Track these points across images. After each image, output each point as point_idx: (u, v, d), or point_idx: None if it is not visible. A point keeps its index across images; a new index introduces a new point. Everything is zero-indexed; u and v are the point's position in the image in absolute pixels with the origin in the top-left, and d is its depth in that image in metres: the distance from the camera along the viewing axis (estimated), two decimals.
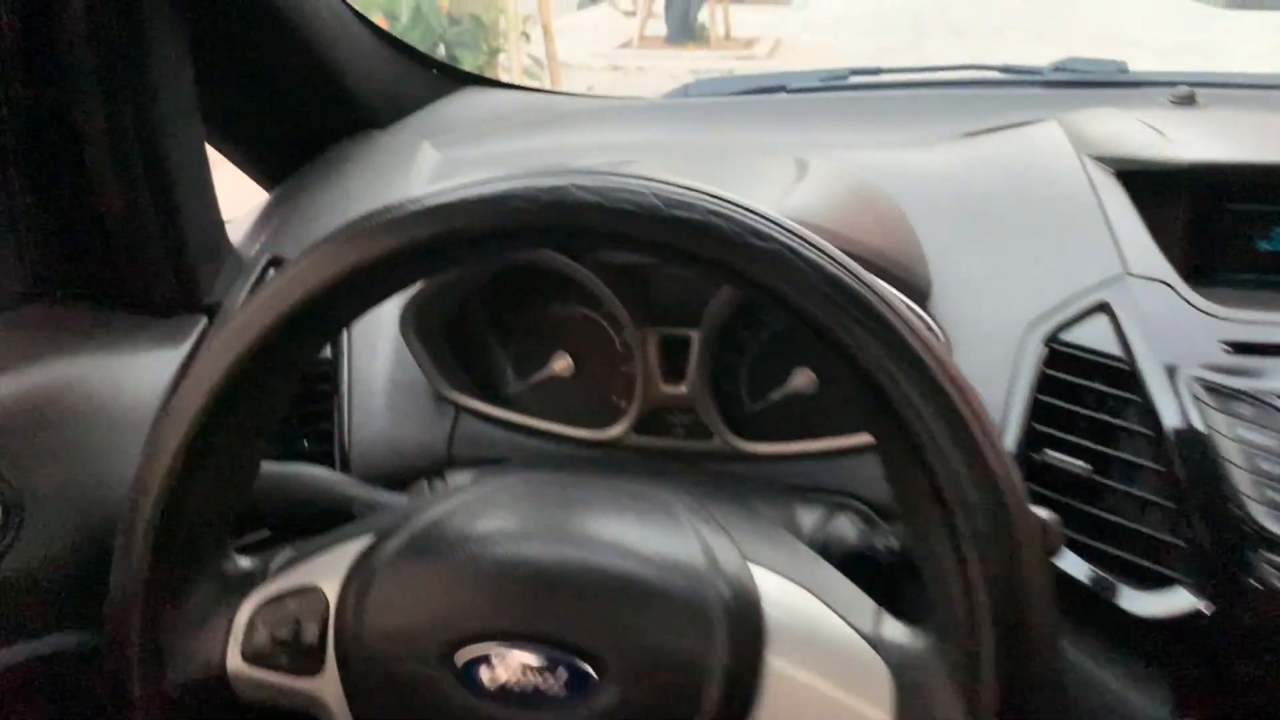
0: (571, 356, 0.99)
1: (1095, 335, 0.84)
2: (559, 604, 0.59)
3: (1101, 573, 0.79)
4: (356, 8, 1.26)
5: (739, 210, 0.55)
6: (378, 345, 1.00)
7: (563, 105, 1.45)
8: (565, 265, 0.91)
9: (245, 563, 0.69)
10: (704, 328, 0.90)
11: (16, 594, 0.86)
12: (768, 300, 0.55)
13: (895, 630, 0.59)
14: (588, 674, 0.58)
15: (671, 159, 1.05)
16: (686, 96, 1.48)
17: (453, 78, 1.44)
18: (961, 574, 0.53)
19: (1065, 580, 0.78)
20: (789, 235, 0.54)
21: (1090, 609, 0.78)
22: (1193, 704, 0.77)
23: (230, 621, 0.66)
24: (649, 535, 0.61)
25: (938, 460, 0.53)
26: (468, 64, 4.93)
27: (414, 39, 4.58)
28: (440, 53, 5.11)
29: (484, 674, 0.59)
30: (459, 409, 0.97)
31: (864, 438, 0.88)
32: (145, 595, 0.63)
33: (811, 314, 0.54)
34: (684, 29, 9.20)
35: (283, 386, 0.67)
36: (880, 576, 0.75)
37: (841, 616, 0.59)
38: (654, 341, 0.93)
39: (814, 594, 0.60)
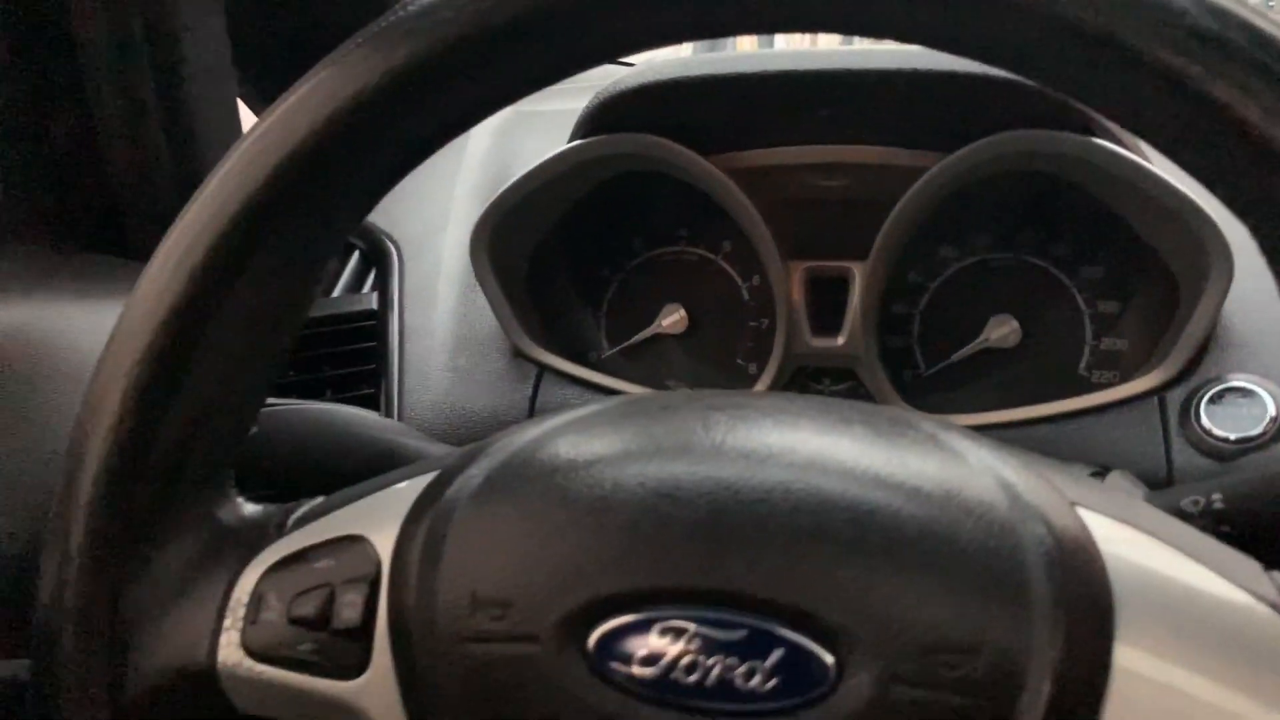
0: (685, 309, 0.76)
1: None
2: (771, 551, 0.35)
3: None
4: None
5: None
6: (437, 293, 0.78)
7: None
8: (688, 170, 0.69)
9: (251, 510, 0.46)
10: (872, 260, 0.68)
11: None
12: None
13: None
14: (818, 661, 0.34)
15: None
16: None
17: None
18: None
19: None
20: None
21: None
22: None
23: (226, 592, 0.42)
24: (902, 456, 0.38)
25: None
26: None
27: None
28: None
29: (636, 660, 0.35)
30: (543, 370, 0.74)
31: (1097, 397, 0.65)
32: (93, 550, 0.40)
33: None
34: None
35: (321, 247, 0.45)
36: None
37: (1237, 584, 0.36)
38: (800, 279, 0.71)
39: (1180, 550, 0.37)
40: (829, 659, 0.34)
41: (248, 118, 0.97)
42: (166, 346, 0.40)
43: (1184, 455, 0.60)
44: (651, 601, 0.36)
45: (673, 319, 0.76)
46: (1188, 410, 0.61)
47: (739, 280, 0.76)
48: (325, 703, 0.40)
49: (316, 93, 0.38)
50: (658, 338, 0.77)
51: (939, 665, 0.33)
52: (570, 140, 0.70)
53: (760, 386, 0.71)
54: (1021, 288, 0.71)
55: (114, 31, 0.80)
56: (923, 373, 0.72)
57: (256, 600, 0.41)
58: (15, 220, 0.82)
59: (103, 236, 0.84)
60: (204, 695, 0.42)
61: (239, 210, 0.39)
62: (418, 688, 0.38)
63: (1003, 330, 0.70)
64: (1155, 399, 0.62)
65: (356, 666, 0.40)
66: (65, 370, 0.71)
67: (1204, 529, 0.50)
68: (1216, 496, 0.49)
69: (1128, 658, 0.34)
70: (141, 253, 0.84)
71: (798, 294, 0.70)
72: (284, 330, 0.46)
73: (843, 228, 0.70)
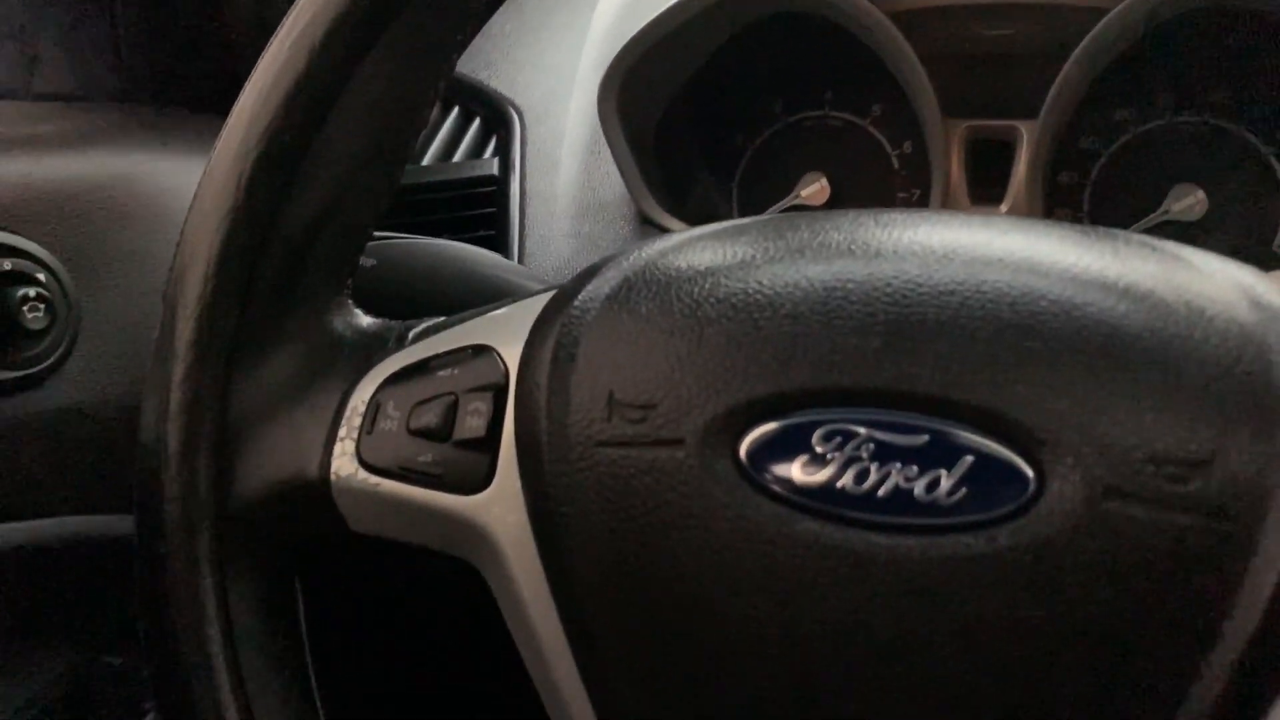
0: (827, 178, 0.71)
1: None
2: (960, 346, 0.30)
3: None
4: None
5: None
6: (560, 160, 0.74)
7: None
8: (841, 10, 0.63)
9: (369, 322, 0.43)
10: (1042, 119, 0.61)
11: (48, 441, 0.62)
12: None
13: None
14: (1014, 471, 0.29)
15: None
16: None
17: None
18: None
19: None
20: None
21: None
22: None
23: (341, 402, 0.39)
24: (1117, 255, 0.32)
25: None
26: None
27: None
28: None
29: (795, 467, 0.31)
30: None
31: None
32: (202, 346, 0.37)
33: None
34: None
35: (446, 40, 0.41)
36: None
37: None
38: (960, 142, 0.65)
39: None
40: (1027, 470, 0.29)
41: None
42: (286, 129, 0.36)
43: None
44: (815, 402, 0.31)
45: (812, 189, 0.71)
46: None
47: (888, 147, 0.70)
48: (445, 519, 0.37)
49: None
50: (795, 209, 0.71)
51: (1162, 478, 0.28)
52: None
53: None
54: (1209, 154, 0.63)
55: None
56: None
57: (373, 410, 0.38)
58: (136, 79, 0.81)
59: (223, 100, 0.82)
60: (315, 510, 0.39)
61: None
62: (546, 499, 0.34)
63: (1186, 201, 0.63)
64: None
65: (480, 480, 0.36)
66: (176, 221, 0.69)
67: None
68: None
69: None
70: None
71: (956, 158, 0.64)
72: (406, 130, 0.42)
73: (1008, 84, 0.64)
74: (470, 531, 0.36)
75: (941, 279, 0.31)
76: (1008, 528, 0.29)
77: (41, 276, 0.61)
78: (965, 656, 0.29)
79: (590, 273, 0.37)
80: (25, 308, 0.59)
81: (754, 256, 0.34)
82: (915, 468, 0.30)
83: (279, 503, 0.39)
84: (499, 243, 0.71)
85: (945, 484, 0.29)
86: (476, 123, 0.79)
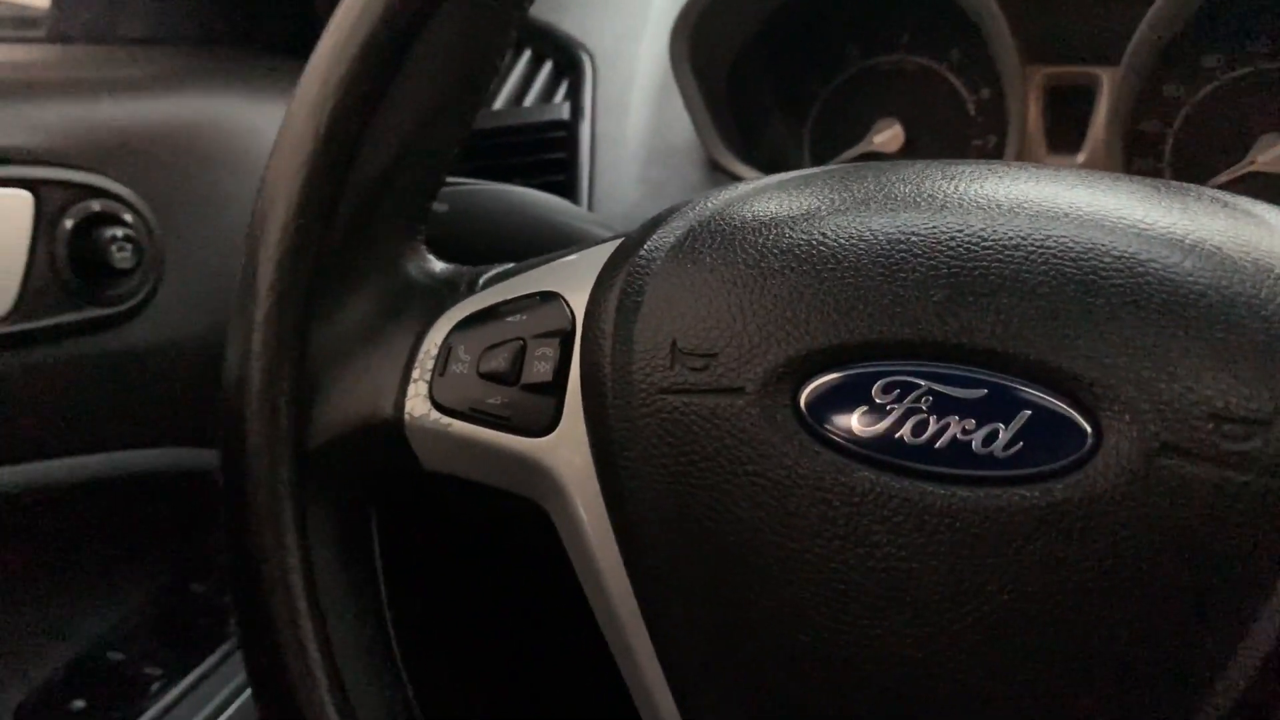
0: (901, 125, 0.70)
1: None
2: (1022, 300, 0.30)
3: None
4: None
5: None
6: (630, 104, 0.74)
7: None
8: None
9: (441, 267, 0.44)
10: (1125, 66, 0.59)
11: (135, 377, 0.64)
12: None
13: None
14: (1071, 426, 0.29)
15: None
16: None
17: None
18: None
19: None
20: None
21: None
22: None
23: (414, 344, 0.40)
24: (1186, 211, 0.31)
25: None
26: None
27: None
28: None
29: (854, 417, 0.31)
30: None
31: None
32: (282, 287, 0.39)
33: None
34: None
35: None
36: None
37: None
38: (1038, 88, 0.63)
39: None
40: (1085, 425, 0.29)
41: None
42: (362, 78, 0.37)
43: None
44: (875, 354, 0.31)
45: (886, 135, 0.70)
46: None
47: (965, 93, 0.69)
48: (513, 460, 0.38)
49: None
50: (868, 156, 0.71)
51: (1220, 436, 0.28)
52: None
53: None
54: None
55: None
56: None
57: (445, 353, 0.39)
58: (215, 22, 0.82)
59: (301, 42, 0.83)
60: (390, 448, 0.40)
61: None
62: (609, 444, 0.35)
63: (1274, 152, 0.61)
64: None
65: (546, 423, 0.37)
66: (257, 163, 0.71)
67: None
68: None
69: None
70: None
71: (1034, 105, 0.63)
72: (479, 77, 0.43)
73: (1090, 28, 0.62)
74: (536, 472, 0.37)
75: (1005, 233, 0.31)
76: (1063, 482, 0.29)
77: (128, 217, 0.63)
78: (1015, 606, 0.29)
79: (656, 222, 0.38)
80: (113, 247, 0.61)
81: (819, 208, 0.34)
82: (973, 420, 0.30)
83: (355, 440, 0.40)
84: (569, 188, 0.72)
85: (1002, 437, 0.30)
86: (548, 67, 0.79)
